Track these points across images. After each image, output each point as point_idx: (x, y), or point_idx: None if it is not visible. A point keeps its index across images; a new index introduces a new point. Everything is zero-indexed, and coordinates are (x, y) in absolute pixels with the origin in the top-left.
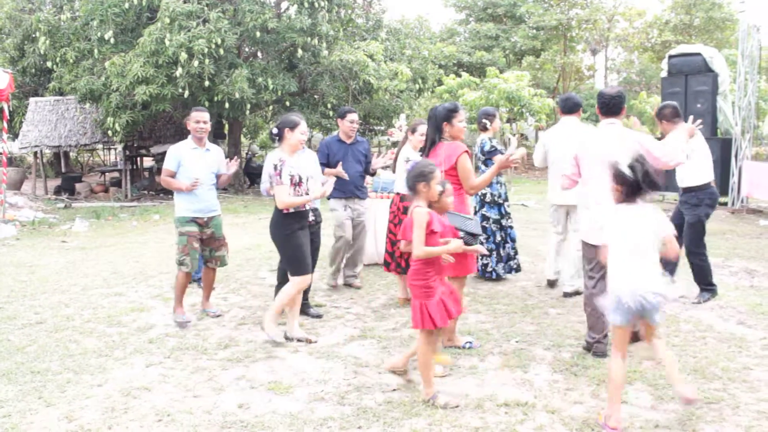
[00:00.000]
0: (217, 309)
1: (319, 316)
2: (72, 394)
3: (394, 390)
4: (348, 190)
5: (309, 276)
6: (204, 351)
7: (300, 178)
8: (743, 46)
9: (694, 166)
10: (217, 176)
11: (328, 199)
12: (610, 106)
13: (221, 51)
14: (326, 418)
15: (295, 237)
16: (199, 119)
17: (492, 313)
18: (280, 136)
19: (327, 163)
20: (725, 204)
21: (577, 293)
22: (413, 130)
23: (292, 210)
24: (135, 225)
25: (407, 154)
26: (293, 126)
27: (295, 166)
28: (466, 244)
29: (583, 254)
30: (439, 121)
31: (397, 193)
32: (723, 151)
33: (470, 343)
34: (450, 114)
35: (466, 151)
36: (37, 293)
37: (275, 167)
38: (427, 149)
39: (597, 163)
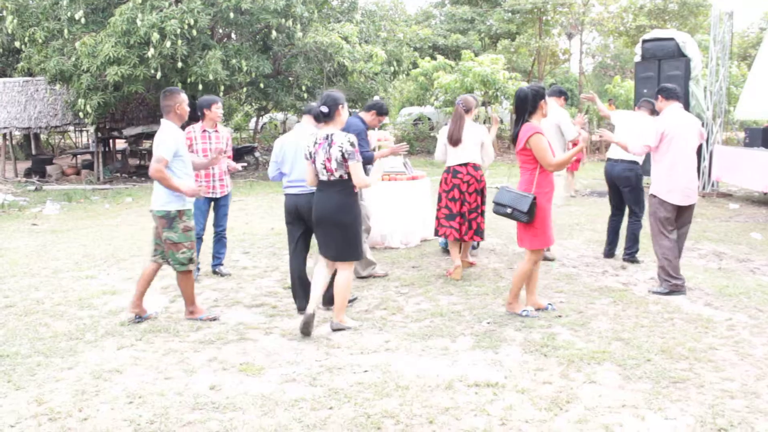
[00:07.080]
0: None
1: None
2: (42, 378)
3: (366, 371)
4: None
5: None
6: (176, 333)
7: None
8: (715, 31)
9: None
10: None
11: None
12: (676, 95)
13: (194, 32)
14: (298, 399)
15: (360, 219)
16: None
17: (464, 294)
18: (332, 114)
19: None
20: None
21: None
22: (468, 110)
23: (356, 190)
24: (107, 208)
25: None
26: (344, 102)
27: None
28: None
29: (657, 214)
30: (538, 100)
31: (467, 164)
32: None
33: (551, 305)
34: (544, 92)
35: (539, 132)
36: (6, 276)
37: (352, 144)
38: (518, 127)
39: (678, 137)
